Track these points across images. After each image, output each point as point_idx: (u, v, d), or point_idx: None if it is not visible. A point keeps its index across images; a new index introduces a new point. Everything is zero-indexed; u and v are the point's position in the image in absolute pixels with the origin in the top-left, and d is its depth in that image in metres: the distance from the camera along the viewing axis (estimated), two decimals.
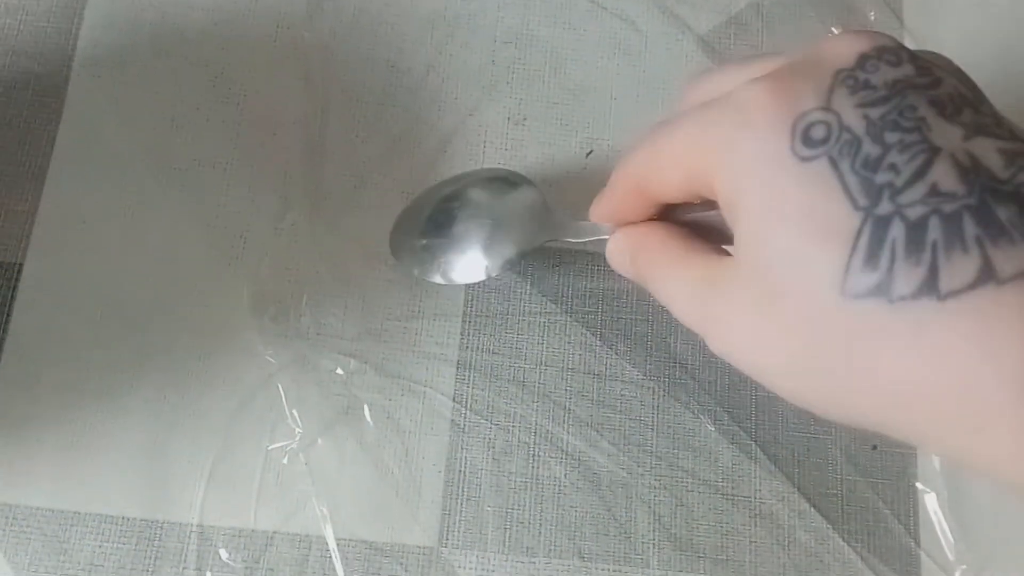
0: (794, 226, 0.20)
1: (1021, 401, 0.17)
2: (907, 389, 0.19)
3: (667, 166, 0.25)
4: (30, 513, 0.34)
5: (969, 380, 0.18)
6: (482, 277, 0.34)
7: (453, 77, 0.39)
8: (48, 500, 0.34)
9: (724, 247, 0.25)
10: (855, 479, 0.35)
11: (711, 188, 0.23)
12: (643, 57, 0.39)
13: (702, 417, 0.35)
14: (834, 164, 0.20)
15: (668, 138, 0.24)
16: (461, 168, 0.38)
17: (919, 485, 0.35)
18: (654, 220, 0.28)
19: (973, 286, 0.18)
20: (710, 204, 0.25)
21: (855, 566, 0.34)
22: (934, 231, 0.18)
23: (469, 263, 0.34)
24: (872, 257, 0.19)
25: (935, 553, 0.34)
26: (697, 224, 0.28)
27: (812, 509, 0.34)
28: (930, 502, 0.35)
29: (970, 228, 0.18)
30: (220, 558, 0.33)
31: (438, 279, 0.35)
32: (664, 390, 0.36)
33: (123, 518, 0.34)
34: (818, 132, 0.20)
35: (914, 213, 0.19)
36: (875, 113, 0.20)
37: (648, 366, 0.36)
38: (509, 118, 0.39)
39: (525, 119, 0.38)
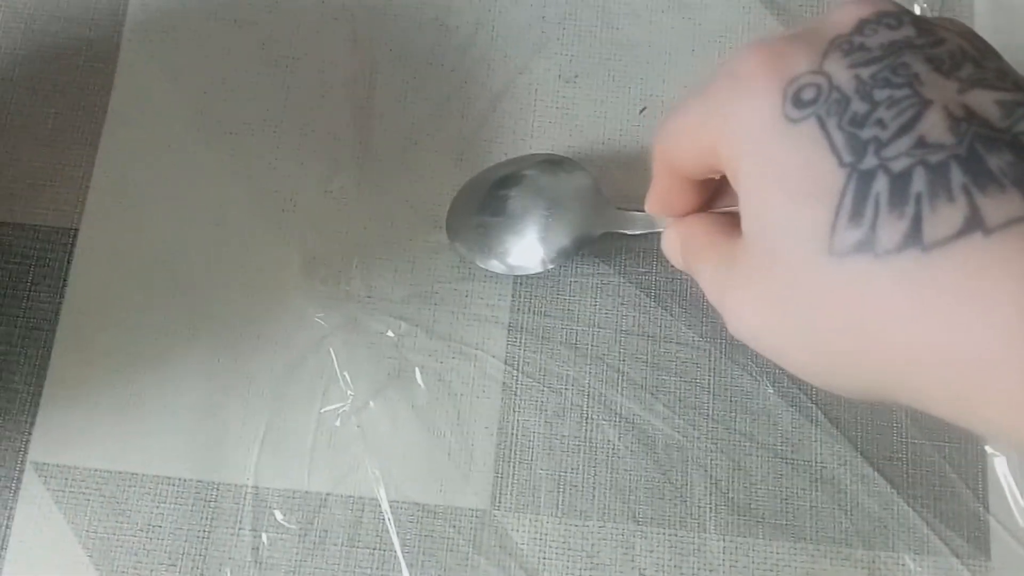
0: (784, 188, 0.20)
1: (1014, 351, 0.16)
2: (899, 348, 0.18)
3: (683, 141, 0.25)
4: (88, 475, 0.34)
5: (958, 333, 0.17)
6: (538, 268, 0.34)
7: (502, 35, 0.38)
8: (105, 462, 0.34)
9: None
10: (921, 442, 0.34)
11: (719, 159, 0.23)
12: (699, 10, 0.38)
13: (761, 379, 0.34)
14: (822, 123, 0.20)
15: (683, 113, 0.24)
16: (512, 128, 0.37)
17: (988, 448, 0.34)
18: (704, 212, 0.29)
19: (959, 235, 0.17)
20: None
21: (921, 532, 0.33)
22: (919, 182, 0.18)
23: (525, 249, 0.34)
24: (857, 213, 0.18)
25: (1005, 519, 0.33)
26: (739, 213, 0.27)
27: (876, 473, 0.33)
28: (1000, 465, 0.33)
29: (957, 177, 0.18)
30: (275, 519, 0.33)
31: (495, 265, 0.34)
32: (721, 352, 0.35)
33: (179, 479, 0.34)
34: (808, 94, 0.20)
35: (898, 165, 0.18)
36: (866, 72, 0.20)
37: (704, 328, 0.35)
38: (560, 76, 0.38)
39: (577, 76, 0.38)
